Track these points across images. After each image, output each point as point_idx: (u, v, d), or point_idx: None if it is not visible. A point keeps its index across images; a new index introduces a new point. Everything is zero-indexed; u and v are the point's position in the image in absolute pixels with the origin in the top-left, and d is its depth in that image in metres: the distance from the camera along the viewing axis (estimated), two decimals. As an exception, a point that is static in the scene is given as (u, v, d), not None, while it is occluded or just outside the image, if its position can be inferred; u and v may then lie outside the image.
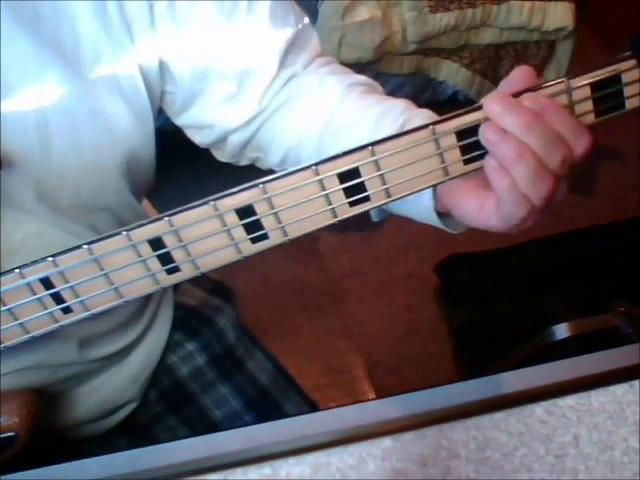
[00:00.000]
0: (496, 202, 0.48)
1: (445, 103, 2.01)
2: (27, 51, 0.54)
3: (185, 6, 0.59)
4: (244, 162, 0.71)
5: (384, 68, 1.84)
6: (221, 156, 0.70)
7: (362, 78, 0.65)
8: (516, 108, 0.45)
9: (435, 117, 0.56)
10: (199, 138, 0.68)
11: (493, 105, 0.45)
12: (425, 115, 0.58)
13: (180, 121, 0.68)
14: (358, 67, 1.82)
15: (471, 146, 0.46)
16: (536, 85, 0.46)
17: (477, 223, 0.50)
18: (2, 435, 0.61)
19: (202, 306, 0.87)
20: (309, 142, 0.63)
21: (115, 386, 0.75)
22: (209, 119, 0.65)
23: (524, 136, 0.45)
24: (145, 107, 0.62)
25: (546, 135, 0.45)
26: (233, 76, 0.63)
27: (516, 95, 0.45)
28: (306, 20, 0.66)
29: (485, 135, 0.46)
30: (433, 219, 0.55)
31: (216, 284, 0.90)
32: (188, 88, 0.64)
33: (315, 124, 0.62)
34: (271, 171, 0.54)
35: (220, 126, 0.66)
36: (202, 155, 0.75)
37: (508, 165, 0.46)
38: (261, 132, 0.66)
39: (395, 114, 0.58)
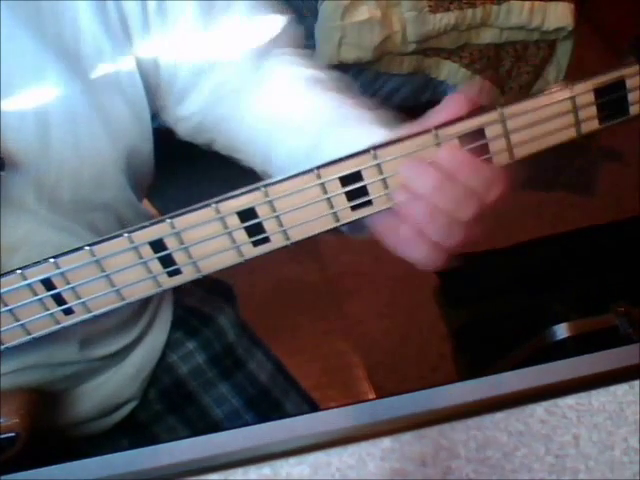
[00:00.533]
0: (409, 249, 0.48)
1: (445, 103, 2.00)
2: (28, 48, 0.54)
3: (173, 5, 0.60)
4: (200, 142, 0.71)
5: (384, 68, 1.84)
6: (179, 135, 0.71)
7: (312, 73, 0.65)
8: (426, 172, 0.45)
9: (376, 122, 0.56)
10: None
11: (404, 170, 0.45)
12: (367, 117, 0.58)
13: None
14: (358, 67, 1.82)
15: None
16: (469, 113, 0.45)
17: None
18: (2, 435, 0.61)
19: (202, 305, 0.87)
20: (261, 132, 0.64)
21: (115, 385, 0.75)
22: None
23: (434, 198, 0.45)
24: (143, 103, 0.62)
25: (457, 195, 0.46)
26: (197, 69, 0.64)
27: (450, 123, 0.45)
28: (288, 17, 0.67)
29: (395, 197, 0.46)
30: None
31: (216, 283, 0.90)
32: (177, 86, 0.65)
33: (252, 118, 0.64)
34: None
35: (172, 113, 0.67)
36: (203, 155, 0.75)
37: (419, 224, 0.47)
38: (208, 118, 0.67)
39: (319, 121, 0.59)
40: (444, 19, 1.78)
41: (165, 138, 0.70)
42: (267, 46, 0.66)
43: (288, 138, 0.61)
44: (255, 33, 0.65)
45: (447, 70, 1.91)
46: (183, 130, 0.70)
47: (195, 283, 0.88)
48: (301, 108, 0.61)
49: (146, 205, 0.77)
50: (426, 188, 0.45)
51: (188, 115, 0.67)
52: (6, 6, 0.53)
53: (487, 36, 1.88)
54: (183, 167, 1.53)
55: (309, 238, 0.48)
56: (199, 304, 0.87)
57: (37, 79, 0.55)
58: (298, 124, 0.60)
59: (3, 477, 0.58)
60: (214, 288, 0.90)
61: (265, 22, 0.66)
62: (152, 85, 0.64)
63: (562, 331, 1.32)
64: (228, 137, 0.67)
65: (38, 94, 0.55)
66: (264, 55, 0.66)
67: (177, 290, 0.86)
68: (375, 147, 0.45)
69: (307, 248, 1.81)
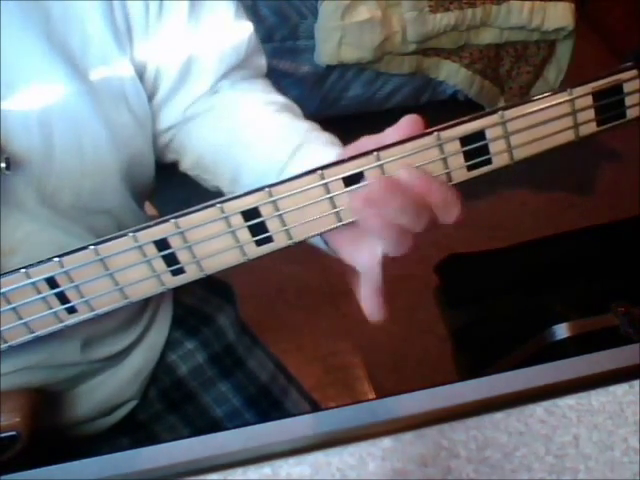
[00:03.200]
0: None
1: (445, 103, 2.01)
2: (35, 51, 0.54)
3: (167, 5, 0.61)
4: (167, 161, 0.72)
5: (384, 68, 1.84)
6: None
7: (280, 99, 0.67)
8: (394, 191, 0.45)
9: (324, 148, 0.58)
10: None
11: (373, 187, 0.45)
12: (323, 139, 0.59)
13: None
14: (358, 67, 1.82)
15: (475, 152, 0.46)
16: (422, 132, 0.46)
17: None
18: (4, 434, 0.61)
19: (202, 304, 0.87)
20: (212, 153, 0.66)
21: (115, 385, 0.75)
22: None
23: (397, 218, 0.46)
24: (146, 110, 0.62)
25: (416, 212, 0.46)
26: (173, 83, 0.64)
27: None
28: (256, 45, 0.69)
29: (354, 205, 0.46)
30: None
31: (216, 283, 0.90)
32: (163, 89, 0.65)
33: (220, 137, 0.65)
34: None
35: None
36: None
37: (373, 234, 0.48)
38: (177, 138, 0.68)
39: (292, 138, 0.60)
40: (444, 19, 1.78)
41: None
42: (240, 69, 0.67)
43: (259, 160, 0.61)
44: (236, 39, 0.66)
45: (447, 70, 1.91)
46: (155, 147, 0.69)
47: (195, 282, 0.88)
48: (273, 131, 0.63)
49: (146, 204, 0.77)
50: (393, 208, 0.46)
51: (161, 130, 0.67)
52: (15, 10, 0.53)
53: (487, 36, 1.88)
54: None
55: (311, 237, 0.48)
56: (199, 303, 0.87)
57: (43, 82, 0.55)
58: (270, 147, 0.61)
59: (3, 477, 0.58)
60: (214, 287, 0.90)
61: (244, 28, 0.67)
62: (150, 91, 0.64)
63: (562, 331, 1.33)
64: (196, 156, 0.67)
65: (43, 97, 0.55)
66: (237, 77, 0.67)
67: (177, 289, 0.85)
68: (379, 149, 0.45)
69: (307, 248, 1.81)
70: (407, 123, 0.46)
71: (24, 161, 0.55)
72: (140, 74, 0.62)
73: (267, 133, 0.63)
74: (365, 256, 0.51)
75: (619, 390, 0.62)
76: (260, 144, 0.62)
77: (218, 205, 0.46)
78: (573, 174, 2.05)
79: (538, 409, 0.61)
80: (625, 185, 1.97)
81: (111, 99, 0.59)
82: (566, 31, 1.90)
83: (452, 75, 1.92)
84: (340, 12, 1.70)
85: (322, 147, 0.58)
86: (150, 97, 0.65)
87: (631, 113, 0.47)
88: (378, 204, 0.45)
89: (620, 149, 2.06)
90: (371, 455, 0.58)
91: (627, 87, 0.46)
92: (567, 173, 2.03)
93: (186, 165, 0.70)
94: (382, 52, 1.78)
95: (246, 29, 0.68)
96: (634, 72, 0.45)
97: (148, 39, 0.61)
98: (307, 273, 1.75)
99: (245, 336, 0.88)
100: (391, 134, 0.46)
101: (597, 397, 0.62)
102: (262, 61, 0.71)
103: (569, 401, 0.61)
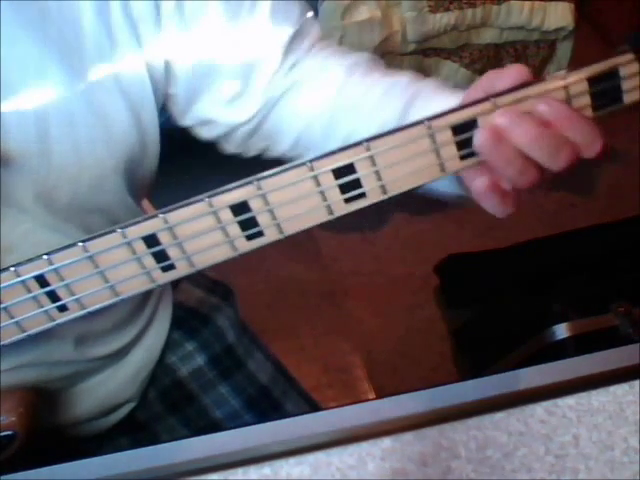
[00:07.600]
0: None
1: (445, 103, 2.01)
2: (30, 49, 0.54)
3: (194, 5, 0.59)
4: (253, 153, 0.70)
5: (384, 68, 1.84)
6: (227, 149, 0.69)
7: (365, 55, 0.65)
8: (523, 122, 0.44)
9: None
10: (204, 133, 0.68)
11: (501, 118, 0.44)
12: (431, 86, 0.58)
13: (184, 122, 0.68)
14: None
15: (467, 142, 0.46)
16: (531, 80, 0.45)
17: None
18: (0, 434, 0.61)
19: (201, 305, 0.87)
20: (317, 125, 0.63)
21: (114, 385, 0.75)
22: (213, 117, 0.66)
23: (530, 151, 0.45)
24: (149, 108, 0.62)
25: (551, 147, 0.45)
26: (237, 74, 0.63)
27: (511, 90, 0.45)
28: (309, 12, 0.66)
29: (481, 140, 0.45)
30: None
31: (215, 283, 0.90)
32: (191, 88, 0.64)
33: (321, 107, 0.63)
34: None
35: (226, 123, 0.66)
36: (200, 152, 0.75)
37: (500, 170, 0.46)
38: (267, 121, 0.66)
39: (400, 89, 0.58)
40: (444, 19, 1.78)
41: (162, 136, 0.69)
42: (301, 38, 0.64)
43: (370, 120, 0.59)
44: (280, 30, 0.63)
45: (447, 70, 1.91)
46: (234, 140, 0.67)
47: (194, 284, 0.88)
48: (377, 89, 0.61)
49: (145, 203, 0.77)
50: (525, 138, 0.45)
51: (239, 124, 0.65)
52: (9, 8, 0.53)
53: (487, 36, 1.88)
54: (180, 163, 1.53)
55: (302, 231, 0.47)
56: (198, 305, 0.87)
57: (39, 80, 0.55)
58: (379, 105, 0.59)
59: (3, 477, 0.57)
60: (213, 288, 0.90)
61: (289, 18, 0.64)
62: (160, 90, 0.63)
63: (562, 331, 1.32)
64: (296, 135, 0.65)
65: (39, 95, 0.55)
66: (305, 46, 0.65)
67: (176, 290, 0.86)
68: (368, 139, 0.45)
69: (307, 248, 1.81)
70: (515, 70, 0.45)
71: (21, 159, 0.55)
72: (169, 71, 0.61)
73: (371, 91, 0.61)
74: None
75: (619, 390, 0.62)
76: (367, 103, 0.60)
77: (206, 199, 0.45)
78: (573, 174, 2.04)
79: (538, 409, 0.61)
80: (625, 185, 1.97)
81: (108, 95, 0.58)
82: (566, 31, 1.90)
83: (452, 75, 1.92)
84: (340, 12, 1.70)
85: (433, 95, 0.57)
86: (209, 91, 0.63)
87: (628, 97, 0.46)
88: (510, 137, 0.44)
89: (620, 149, 2.06)
90: (371, 455, 0.58)
91: (623, 71, 0.45)
92: (567, 173, 2.02)
93: (283, 148, 0.67)
94: (382, 52, 1.78)
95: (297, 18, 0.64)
96: (630, 56, 0.45)
97: (166, 37, 0.60)
98: (307, 273, 1.76)
99: (245, 337, 0.88)
100: (505, 78, 0.45)
101: (597, 397, 0.62)
102: (317, 26, 0.67)
103: (569, 401, 0.61)
